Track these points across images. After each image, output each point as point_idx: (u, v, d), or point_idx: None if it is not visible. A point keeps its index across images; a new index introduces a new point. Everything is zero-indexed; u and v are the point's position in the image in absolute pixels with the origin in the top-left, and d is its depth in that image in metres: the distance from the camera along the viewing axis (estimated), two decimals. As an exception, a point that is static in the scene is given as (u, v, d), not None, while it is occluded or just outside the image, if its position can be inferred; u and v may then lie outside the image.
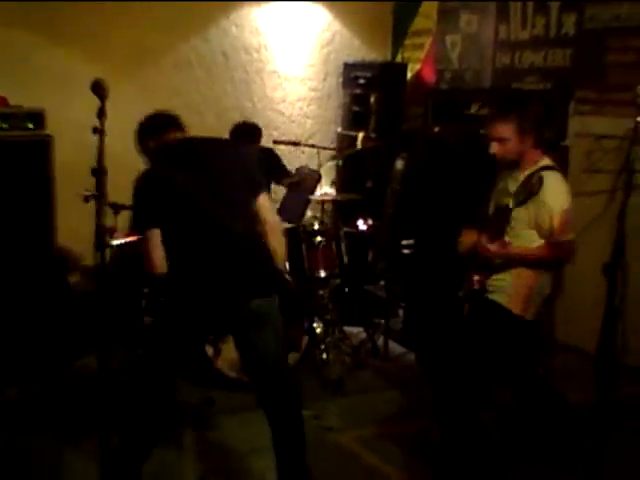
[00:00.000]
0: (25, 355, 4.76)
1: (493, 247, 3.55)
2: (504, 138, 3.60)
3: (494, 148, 3.66)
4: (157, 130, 3.35)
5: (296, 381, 3.53)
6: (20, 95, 5.02)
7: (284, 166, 5.68)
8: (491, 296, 3.63)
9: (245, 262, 3.23)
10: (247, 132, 5.43)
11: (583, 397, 3.27)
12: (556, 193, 3.52)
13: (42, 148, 4.83)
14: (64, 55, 5.63)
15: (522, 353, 3.74)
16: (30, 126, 4.83)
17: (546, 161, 3.66)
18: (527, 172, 3.60)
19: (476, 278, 3.62)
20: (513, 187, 3.63)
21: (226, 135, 5.37)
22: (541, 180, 3.36)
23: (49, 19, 5.47)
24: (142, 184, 3.21)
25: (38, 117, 4.85)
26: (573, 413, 3.78)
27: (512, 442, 3.95)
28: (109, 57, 5.62)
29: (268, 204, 3.41)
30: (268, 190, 3.87)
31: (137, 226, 3.23)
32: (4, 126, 4.75)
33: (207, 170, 3.22)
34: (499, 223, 3.57)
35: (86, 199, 4.02)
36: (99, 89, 2.70)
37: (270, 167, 5.58)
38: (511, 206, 3.50)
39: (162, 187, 3.18)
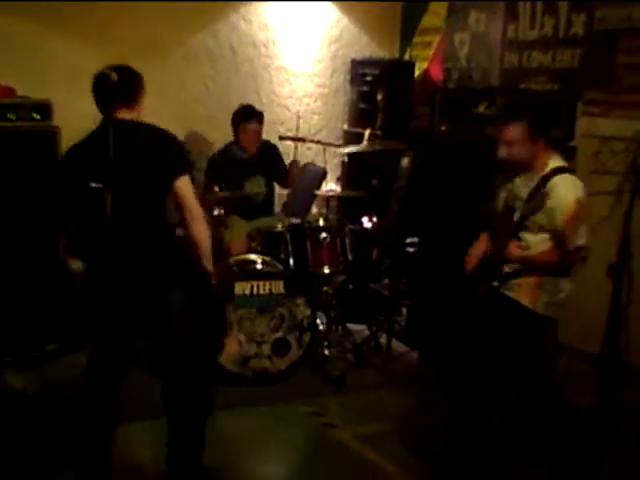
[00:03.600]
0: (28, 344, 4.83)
1: (513, 252, 3.58)
2: (514, 141, 3.58)
3: (502, 152, 3.64)
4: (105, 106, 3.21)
5: (206, 378, 3.42)
6: (28, 86, 5.02)
7: (285, 166, 5.68)
8: (503, 290, 3.65)
9: (147, 253, 3.20)
10: (248, 114, 5.44)
11: (586, 399, 3.26)
12: (567, 198, 3.50)
13: (49, 139, 4.83)
14: (73, 47, 5.60)
15: (531, 347, 3.73)
16: (37, 117, 4.83)
17: (556, 161, 3.63)
18: (537, 177, 3.58)
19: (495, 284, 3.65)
20: (524, 192, 3.63)
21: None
22: (542, 196, 3.41)
23: (58, 11, 5.45)
24: (64, 158, 3.28)
25: (45, 108, 4.85)
26: (576, 415, 3.77)
27: (515, 443, 3.93)
28: (117, 50, 5.59)
29: (186, 189, 3.19)
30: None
31: None
32: (11, 117, 4.75)
33: (117, 160, 3.08)
34: (508, 228, 3.59)
35: None
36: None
37: (273, 164, 5.60)
38: (516, 219, 3.53)
39: (75, 167, 3.20)
